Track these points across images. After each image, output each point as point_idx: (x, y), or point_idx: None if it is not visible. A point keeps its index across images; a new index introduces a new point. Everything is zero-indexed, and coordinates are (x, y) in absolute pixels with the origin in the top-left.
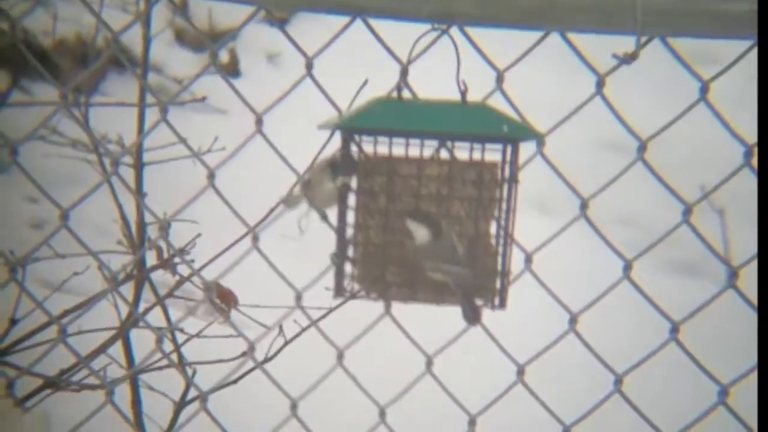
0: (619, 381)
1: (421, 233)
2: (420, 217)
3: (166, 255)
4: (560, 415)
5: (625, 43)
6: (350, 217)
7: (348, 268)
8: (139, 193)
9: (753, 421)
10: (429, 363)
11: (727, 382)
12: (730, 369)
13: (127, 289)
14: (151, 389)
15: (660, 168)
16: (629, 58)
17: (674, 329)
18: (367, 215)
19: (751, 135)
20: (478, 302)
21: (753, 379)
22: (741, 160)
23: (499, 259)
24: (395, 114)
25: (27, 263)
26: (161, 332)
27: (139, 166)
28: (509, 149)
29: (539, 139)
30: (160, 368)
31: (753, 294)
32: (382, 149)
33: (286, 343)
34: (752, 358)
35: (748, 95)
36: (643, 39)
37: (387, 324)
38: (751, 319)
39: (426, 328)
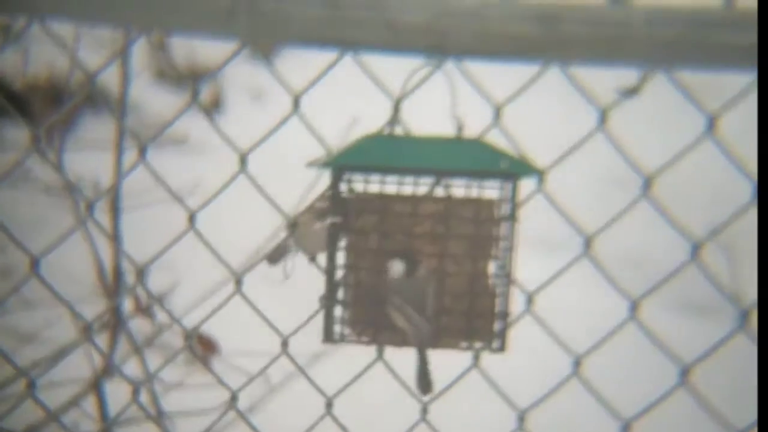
0: (626, 427)
1: (396, 267)
2: (401, 253)
3: (144, 302)
4: None
5: (628, 75)
6: (340, 258)
7: (338, 311)
8: (115, 238)
9: None
10: (424, 410)
11: (740, 425)
12: (743, 412)
13: (102, 338)
14: None
15: (666, 203)
16: (631, 93)
17: (684, 372)
18: (358, 256)
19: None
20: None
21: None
22: (749, 193)
23: (499, 300)
24: (387, 151)
25: None
26: (138, 383)
27: (115, 211)
28: (508, 186)
29: (539, 175)
30: (137, 421)
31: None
32: (374, 187)
33: (271, 391)
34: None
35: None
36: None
37: (379, 368)
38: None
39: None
